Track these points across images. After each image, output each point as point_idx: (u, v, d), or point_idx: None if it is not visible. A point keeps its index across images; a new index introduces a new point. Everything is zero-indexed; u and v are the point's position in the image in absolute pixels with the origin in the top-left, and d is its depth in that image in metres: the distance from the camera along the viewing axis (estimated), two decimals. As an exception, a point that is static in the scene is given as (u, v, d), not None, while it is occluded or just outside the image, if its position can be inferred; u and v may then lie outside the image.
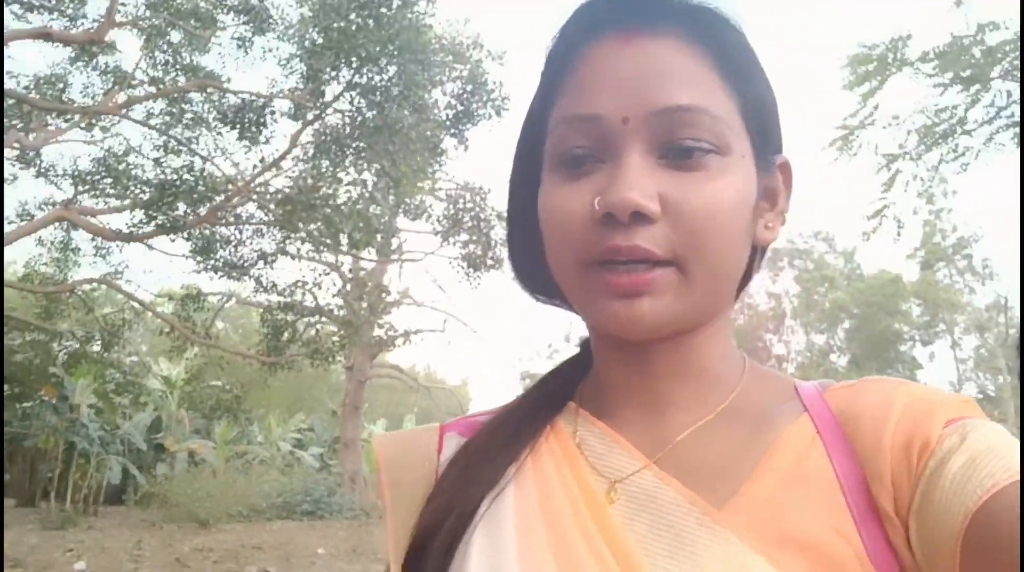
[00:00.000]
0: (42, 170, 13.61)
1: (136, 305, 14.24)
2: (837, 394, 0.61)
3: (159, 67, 14.06)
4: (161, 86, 13.60)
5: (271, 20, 13.01)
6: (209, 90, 12.29)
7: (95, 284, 13.21)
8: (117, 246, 13.46)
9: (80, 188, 13.31)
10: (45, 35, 11.40)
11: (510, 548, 0.57)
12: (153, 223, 10.76)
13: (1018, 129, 10.63)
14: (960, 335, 26.56)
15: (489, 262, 12.83)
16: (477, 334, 17.22)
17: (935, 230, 23.46)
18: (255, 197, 11.44)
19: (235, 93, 11.74)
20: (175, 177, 10.49)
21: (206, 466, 21.12)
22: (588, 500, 0.58)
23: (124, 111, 11.78)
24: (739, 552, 0.52)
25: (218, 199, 10.91)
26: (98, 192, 13.43)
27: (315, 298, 14.27)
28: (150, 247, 12.24)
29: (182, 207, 10.84)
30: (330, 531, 14.22)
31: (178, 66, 14.19)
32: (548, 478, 0.61)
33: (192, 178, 10.39)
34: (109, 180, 13.16)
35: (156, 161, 11.63)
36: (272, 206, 11.40)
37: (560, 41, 0.62)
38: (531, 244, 0.65)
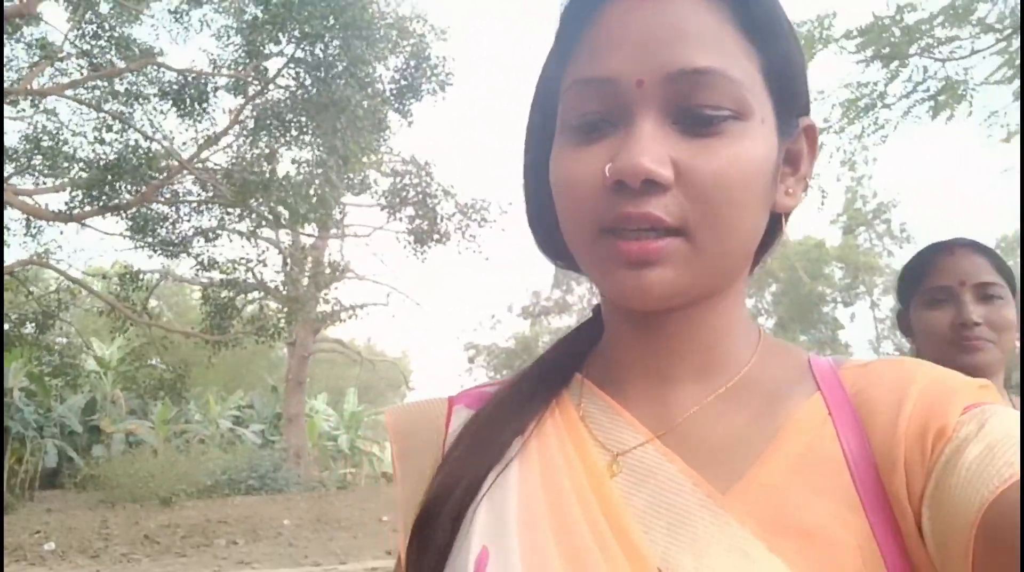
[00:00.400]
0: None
1: (70, 285, 13.97)
2: (852, 373, 0.60)
3: (87, 39, 13.65)
4: (91, 59, 13.21)
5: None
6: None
7: (28, 266, 12.86)
8: (47, 225, 13.19)
9: (9, 166, 12.92)
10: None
11: (512, 523, 0.57)
12: (95, 203, 10.58)
13: (932, 103, 11.33)
14: (879, 296, 28.04)
15: (435, 236, 13.02)
16: (420, 306, 17.33)
17: (856, 196, 24.58)
18: (196, 174, 11.30)
19: (178, 71, 11.51)
20: (115, 156, 10.30)
21: (144, 447, 20.84)
22: (589, 473, 0.58)
23: (65, 91, 11.40)
24: (740, 536, 0.52)
25: (160, 178, 10.76)
26: (31, 170, 13.08)
27: (258, 276, 14.24)
28: (83, 225, 11.98)
29: (122, 186, 10.69)
30: (290, 503, 14.36)
31: (108, 38, 13.80)
32: (551, 450, 0.61)
33: (134, 157, 10.23)
34: (40, 158, 12.86)
35: (95, 139, 11.34)
36: (213, 183, 11.29)
37: (573, 0, 0.60)
38: (547, 210, 0.64)
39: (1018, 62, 11.15)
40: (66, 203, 11.08)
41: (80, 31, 13.34)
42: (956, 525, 0.47)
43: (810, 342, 27.75)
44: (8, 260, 12.72)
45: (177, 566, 9.44)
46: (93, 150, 11.41)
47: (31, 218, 12.10)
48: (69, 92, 12.01)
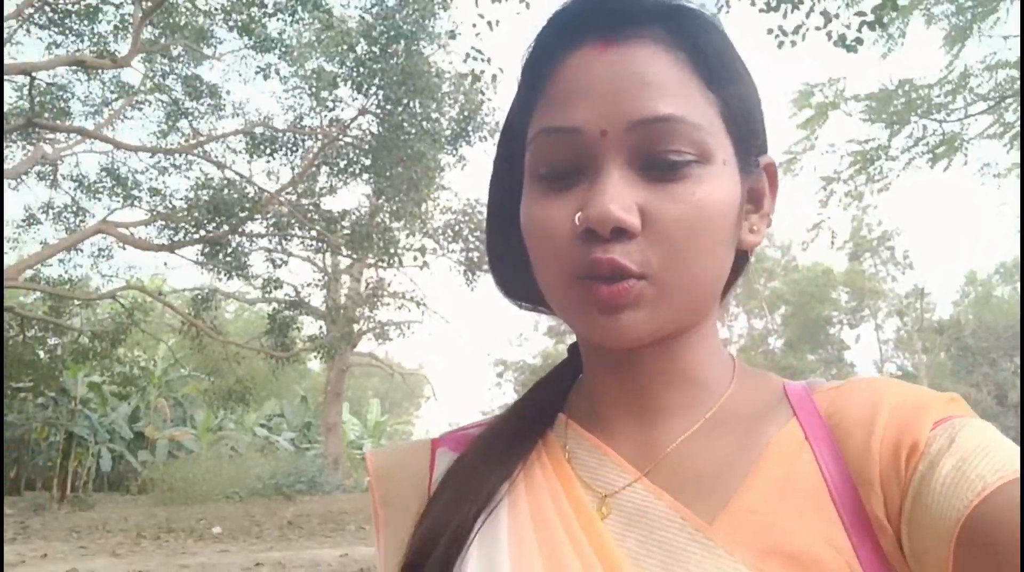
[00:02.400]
0: (78, 178, 14.71)
1: (143, 304, 15.42)
2: (825, 396, 0.60)
3: (157, 77, 15.15)
4: (165, 96, 14.79)
5: (274, 40, 14.20)
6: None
7: (127, 289, 14.33)
8: (122, 248, 14.69)
9: (107, 198, 14.51)
10: (79, 63, 12.42)
11: (504, 567, 0.56)
12: (197, 236, 12.07)
13: (931, 155, 12.79)
14: (883, 319, 29.43)
15: (486, 266, 14.53)
16: (449, 324, 18.80)
17: (862, 225, 26.00)
18: (297, 215, 12.83)
19: (275, 130, 13.04)
20: (219, 196, 11.83)
21: (187, 453, 22.22)
22: (580, 516, 0.58)
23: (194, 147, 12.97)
24: (731, 567, 0.51)
25: (256, 216, 12.26)
26: (126, 203, 14.64)
27: (320, 298, 15.77)
28: (171, 252, 13.48)
29: (218, 221, 12.19)
30: (350, 504, 15.67)
31: (176, 77, 15.33)
32: (540, 494, 0.61)
33: (236, 197, 11.75)
34: (121, 190, 14.43)
35: (199, 183, 12.89)
36: (301, 220, 12.80)
37: (536, 50, 0.61)
38: (513, 254, 0.65)
39: (1012, 120, 12.61)
40: (169, 238, 12.56)
41: (152, 71, 14.84)
42: (934, 541, 0.48)
43: (817, 361, 29.10)
44: (74, 276, 14.12)
45: (331, 542, 10.87)
46: (193, 190, 12.94)
47: (123, 246, 13.55)
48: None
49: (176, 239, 12.35)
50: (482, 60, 8.07)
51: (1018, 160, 14.71)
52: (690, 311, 0.58)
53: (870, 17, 6.38)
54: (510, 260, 0.67)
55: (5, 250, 16.98)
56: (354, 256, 14.79)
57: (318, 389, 31.63)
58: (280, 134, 13.13)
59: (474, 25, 7.79)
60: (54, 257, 13.50)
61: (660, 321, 0.56)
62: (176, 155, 13.89)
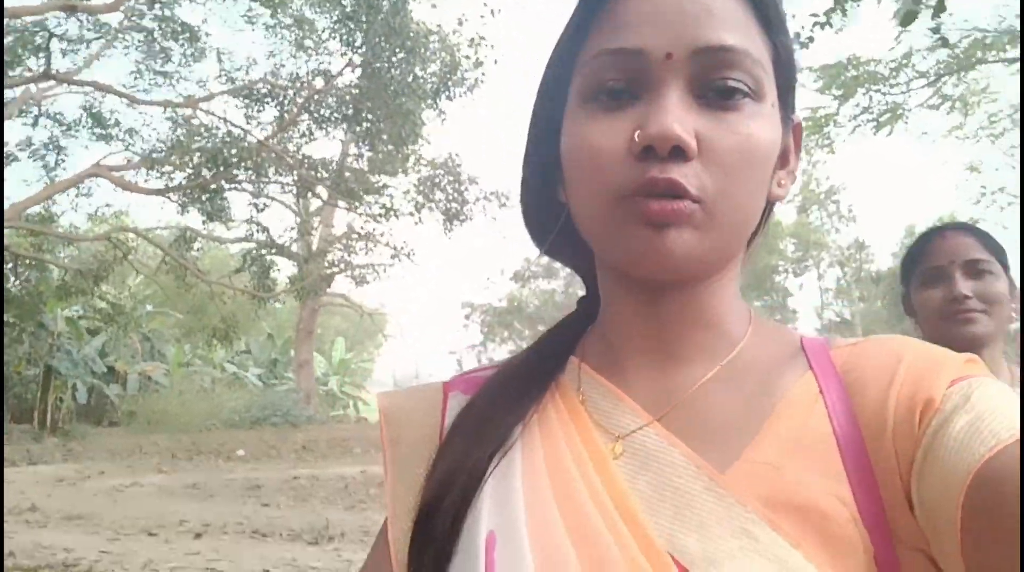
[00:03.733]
0: (55, 117, 14.99)
1: (125, 241, 15.94)
2: (842, 351, 0.61)
3: (134, 16, 15.36)
4: (142, 36, 15.12)
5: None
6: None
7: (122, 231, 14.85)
8: (114, 189, 15.16)
9: (87, 137, 14.86)
10: (70, 8, 12.67)
11: (518, 507, 0.57)
12: (184, 181, 12.68)
13: (875, 123, 13.98)
14: (825, 269, 31.19)
15: (463, 216, 15.42)
16: (418, 266, 19.69)
17: (811, 179, 27.44)
18: (292, 163, 13.51)
19: (272, 84, 13.56)
20: (215, 145, 12.45)
21: (156, 387, 22.91)
22: (593, 457, 0.58)
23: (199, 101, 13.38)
24: (743, 516, 0.52)
25: (245, 162, 12.91)
26: (102, 142, 15.03)
27: (297, 241, 16.51)
28: (165, 196, 14.05)
29: (205, 165, 12.80)
30: (347, 432, 16.74)
31: (154, 17, 15.57)
32: (554, 436, 0.61)
33: (226, 145, 12.38)
34: (100, 129, 14.81)
35: (195, 132, 13.44)
36: (288, 167, 13.48)
37: None
38: (548, 187, 0.65)
39: (949, 93, 13.84)
40: (166, 183, 13.14)
41: (130, 10, 15.02)
42: (944, 495, 0.48)
43: (763, 307, 30.79)
44: (78, 220, 14.68)
45: (344, 462, 11.96)
46: (177, 135, 13.47)
47: (115, 188, 14.06)
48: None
49: (170, 184, 12.92)
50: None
51: (952, 127, 16.04)
52: (729, 244, 0.58)
53: (822, 19, 7.36)
54: (543, 196, 0.66)
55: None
56: (337, 202, 15.51)
57: (283, 327, 32.31)
58: (270, 86, 13.62)
59: None
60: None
61: (704, 247, 0.56)
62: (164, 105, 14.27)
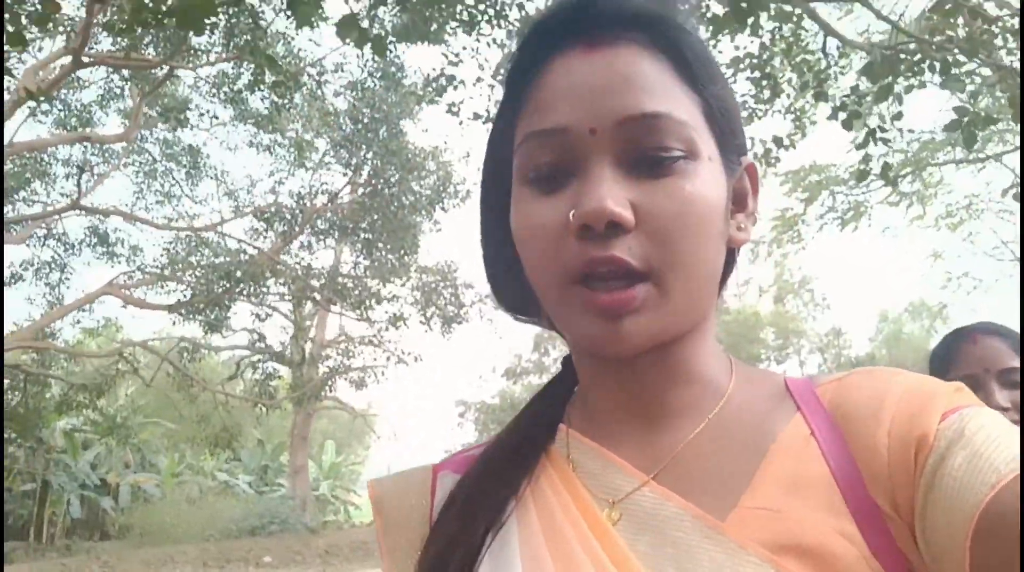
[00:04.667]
0: (59, 237, 15.74)
1: (127, 357, 16.42)
2: (828, 388, 0.60)
3: (138, 142, 16.30)
4: (144, 158, 16.07)
5: (264, 117, 15.60)
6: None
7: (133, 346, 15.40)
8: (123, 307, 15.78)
9: (89, 254, 15.59)
10: (85, 139, 13.61)
11: None
12: (195, 297, 13.38)
13: (840, 221, 15.07)
14: (805, 356, 32.04)
15: (460, 319, 16.18)
16: (409, 368, 20.21)
17: (784, 270, 28.65)
18: (280, 276, 14.29)
19: (282, 207, 14.57)
20: (220, 260, 13.21)
21: (147, 498, 22.81)
22: (591, 523, 0.57)
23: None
24: (747, 562, 0.51)
25: (254, 277, 13.66)
26: (108, 261, 15.75)
27: (289, 347, 17.10)
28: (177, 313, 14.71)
29: (217, 283, 13.54)
30: (336, 537, 16.83)
31: (155, 141, 16.56)
32: (549, 505, 0.60)
33: (234, 263, 13.15)
34: (103, 248, 15.56)
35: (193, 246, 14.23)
36: (293, 281, 14.25)
37: (521, 56, 0.61)
38: (506, 263, 0.65)
39: (907, 191, 15.03)
40: (179, 301, 13.84)
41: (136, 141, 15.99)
42: (950, 535, 0.47)
43: (748, 396, 31.39)
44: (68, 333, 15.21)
45: (369, 565, 12.22)
46: (183, 255, 14.27)
47: (125, 305, 14.68)
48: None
49: (169, 299, 13.68)
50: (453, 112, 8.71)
51: (913, 217, 17.20)
52: (691, 311, 0.58)
53: (787, 142, 8.34)
54: (505, 272, 0.66)
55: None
56: (331, 308, 16.22)
57: (272, 433, 32.26)
58: (275, 206, 14.57)
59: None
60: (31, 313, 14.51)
61: (662, 325, 0.55)
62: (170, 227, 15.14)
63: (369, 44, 3.96)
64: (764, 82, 7.59)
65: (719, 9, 4.62)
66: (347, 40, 3.93)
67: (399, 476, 0.72)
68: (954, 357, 1.60)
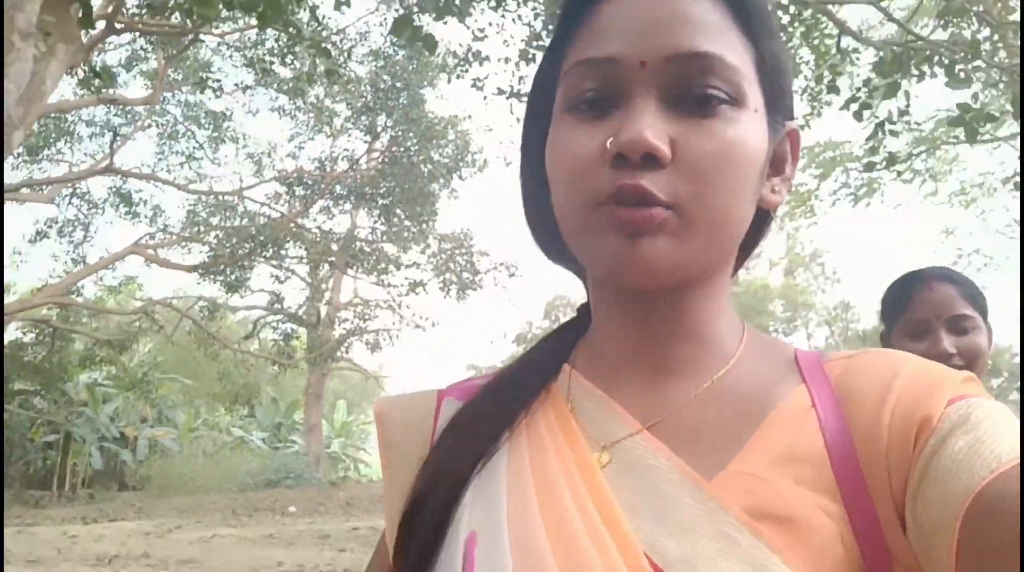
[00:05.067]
0: (83, 196, 16.09)
1: (148, 313, 16.87)
2: (837, 364, 0.60)
3: (160, 106, 16.54)
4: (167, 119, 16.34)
5: (286, 81, 15.78)
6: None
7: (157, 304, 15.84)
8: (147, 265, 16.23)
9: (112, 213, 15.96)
10: (112, 101, 13.84)
11: (501, 509, 0.57)
12: (217, 258, 13.75)
13: (853, 197, 15.23)
14: (813, 329, 32.36)
15: (475, 286, 16.56)
16: (425, 331, 20.65)
17: (796, 243, 28.81)
18: (300, 240, 14.65)
19: (307, 173, 14.85)
20: (245, 224, 13.56)
21: (163, 451, 23.47)
22: (579, 463, 0.58)
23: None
24: (724, 522, 0.52)
25: (275, 239, 14.01)
26: (128, 219, 16.13)
27: (305, 309, 17.52)
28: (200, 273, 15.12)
29: (241, 245, 13.89)
30: (356, 491, 17.39)
31: (178, 103, 16.82)
32: (541, 441, 0.61)
33: (257, 228, 13.50)
34: (126, 207, 15.91)
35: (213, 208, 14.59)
36: (311, 245, 14.60)
37: None
38: (543, 199, 0.64)
39: (920, 168, 15.15)
40: (203, 262, 14.24)
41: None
42: (941, 516, 0.47)
43: (754, 367, 31.77)
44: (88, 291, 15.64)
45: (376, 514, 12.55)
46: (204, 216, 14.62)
47: (148, 264, 15.07)
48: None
49: (188, 259, 14.10)
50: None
51: (926, 194, 17.32)
52: (711, 252, 0.58)
53: (803, 121, 8.54)
54: (542, 206, 0.65)
55: (15, 263, 18.21)
56: (346, 271, 16.61)
57: (285, 391, 32.89)
58: (307, 174, 14.84)
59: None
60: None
61: (682, 254, 0.55)
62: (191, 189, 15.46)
63: (421, 42, 4.19)
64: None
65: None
66: (401, 37, 4.16)
67: (405, 396, 0.74)
68: (906, 301, 1.62)
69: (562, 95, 0.60)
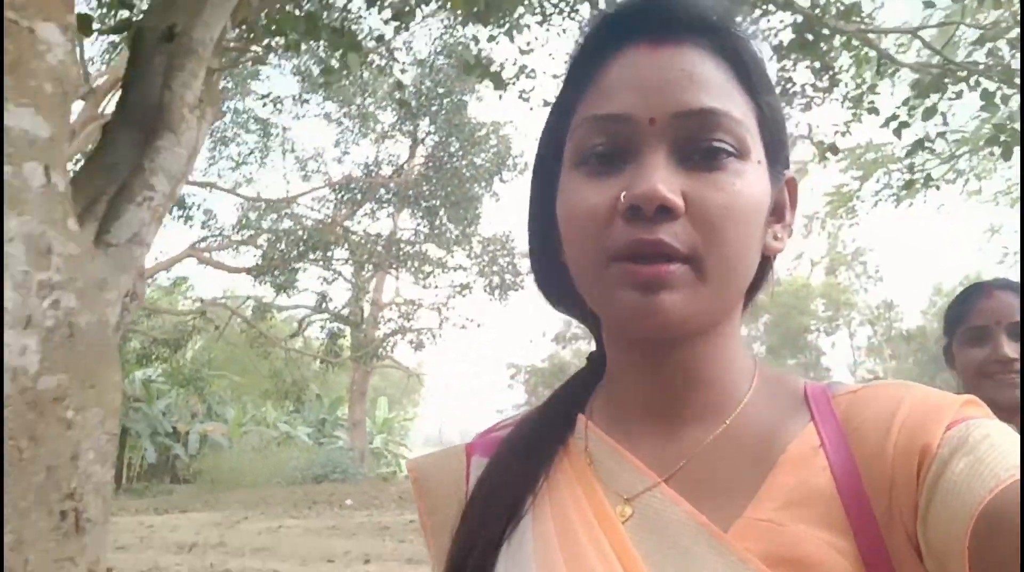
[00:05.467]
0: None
1: (204, 313, 17.51)
2: (843, 399, 0.61)
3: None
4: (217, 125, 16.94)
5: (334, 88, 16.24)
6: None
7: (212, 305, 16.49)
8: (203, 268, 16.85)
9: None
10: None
11: (529, 569, 0.59)
12: (266, 261, 14.30)
13: (895, 197, 15.20)
14: (855, 328, 32.06)
15: (517, 287, 16.95)
16: (466, 330, 21.06)
17: (837, 241, 28.60)
18: (346, 242, 15.13)
19: (353, 180, 15.36)
20: (293, 227, 14.08)
21: (212, 446, 24.23)
22: (601, 519, 0.59)
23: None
24: None
25: (325, 243, 14.51)
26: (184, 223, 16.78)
27: (349, 309, 18.03)
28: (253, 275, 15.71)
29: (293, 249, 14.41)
30: (406, 485, 17.84)
31: (228, 108, 17.36)
32: (562, 498, 0.62)
33: (306, 231, 14.01)
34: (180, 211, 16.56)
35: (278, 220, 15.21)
36: (360, 248, 15.07)
37: (586, 46, 0.64)
38: (551, 250, 0.66)
39: (963, 168, 15.06)
40: (256, 265, 14.81)
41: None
42: (949, 538, 0.48)
43: (797, 366, 31.61)
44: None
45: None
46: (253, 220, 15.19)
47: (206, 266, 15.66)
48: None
49: (257, 263, 14.60)
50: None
51: (971, 192, 17.17)
52: (725, 300, 0.59)
53: (844, 128, 8.64)
54: (549, 256, 0.67)
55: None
56: (394, 274, 17.07)
57: (330, 388, 33.62)
58: (354, 180, 15.34)
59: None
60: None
61: (697, 306, 0.56)
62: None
63: (490, 79, 4.47)
64: (823, 73, 7.91)
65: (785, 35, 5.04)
66: (476, 77, 4.44)
67: (436, 457, 0.75)
68: (967, 310, 1.63)
69: (571, 150, 0.62)
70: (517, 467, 0.66)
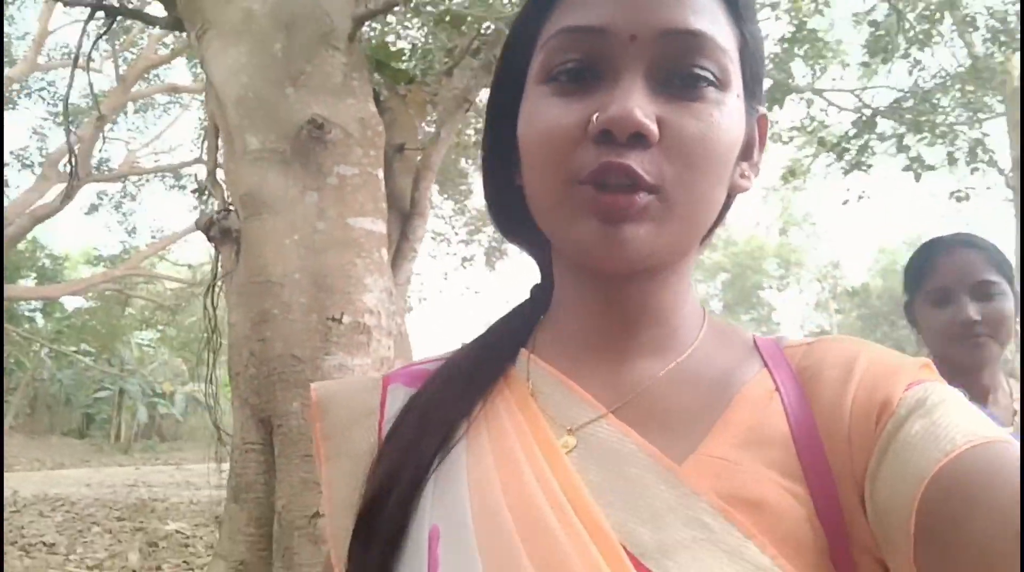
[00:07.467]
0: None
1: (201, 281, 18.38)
2: (797, 351, 0.60)
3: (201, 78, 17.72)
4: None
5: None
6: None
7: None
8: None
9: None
10: (174, 90, 15.12)
11: (463, 501, 0.55)
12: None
13: (845, 166, 16.81)
14: (804, 285, 34.13)
15: (501, 254, 18.09)
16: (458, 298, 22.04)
17: (790, 204, 30.42)
18: None
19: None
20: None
21: (198, 406, 25.16)
22: (544, 449, 0.56)
23: None
24: (696, 507, 0.51)
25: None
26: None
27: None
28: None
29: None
30: None
31: None
32: (502, 428, 0.59)
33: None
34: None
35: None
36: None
37: None
38: (508, 176, 0.63)
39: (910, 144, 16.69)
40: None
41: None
42: (898, 497, 0.47)
43: (750, 321, 33.60)
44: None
45: None
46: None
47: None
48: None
49: None
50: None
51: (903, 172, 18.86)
52: (687, 235, 0.56)
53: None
54: (505, 183, 0.64)
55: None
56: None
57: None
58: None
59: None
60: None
61: (661, 241, 0.54)
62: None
63: None
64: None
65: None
66: None
67: (346, 382, 0.70)
68: (928, 268, 1.58)
69: (540, 64, 0.58)
70: (451, 393, 0.62)
